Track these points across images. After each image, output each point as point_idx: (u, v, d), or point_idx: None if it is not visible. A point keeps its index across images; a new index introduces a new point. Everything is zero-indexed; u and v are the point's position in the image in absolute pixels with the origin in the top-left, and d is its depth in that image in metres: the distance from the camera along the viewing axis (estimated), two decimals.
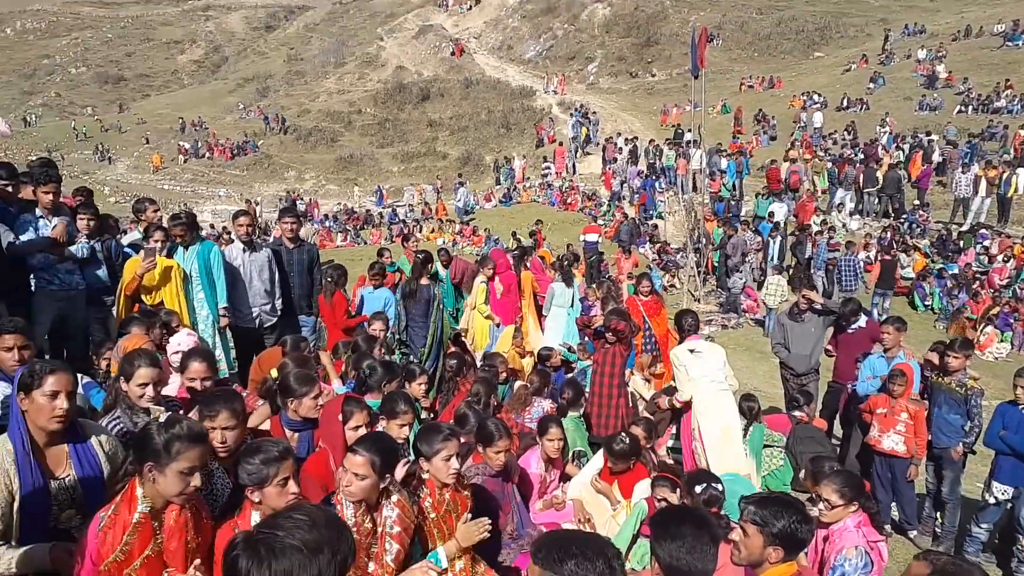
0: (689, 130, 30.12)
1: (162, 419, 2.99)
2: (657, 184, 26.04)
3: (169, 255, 6.53)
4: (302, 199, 36.71)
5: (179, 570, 2.71)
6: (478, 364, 7.16)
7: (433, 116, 49.69)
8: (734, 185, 24.90)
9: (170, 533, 2.71)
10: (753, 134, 32.34)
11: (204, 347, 5.15)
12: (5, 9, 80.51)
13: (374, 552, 3.20)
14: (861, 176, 22.53)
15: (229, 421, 3.39)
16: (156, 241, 6.38)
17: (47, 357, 5.47)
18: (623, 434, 5.19)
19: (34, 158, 7.02)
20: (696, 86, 18.01)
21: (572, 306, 9.74)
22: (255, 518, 2.89)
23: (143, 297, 6.32)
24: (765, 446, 6.82)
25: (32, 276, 5.94)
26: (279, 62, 65.00)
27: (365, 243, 27.56)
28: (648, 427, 5.75)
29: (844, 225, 21.49)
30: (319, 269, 8.02)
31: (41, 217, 5.78)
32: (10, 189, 5.75)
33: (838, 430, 8.32)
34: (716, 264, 19.21)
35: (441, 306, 8.08)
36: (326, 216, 33.22)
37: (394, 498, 3.32)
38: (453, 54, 56.78)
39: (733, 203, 23.31)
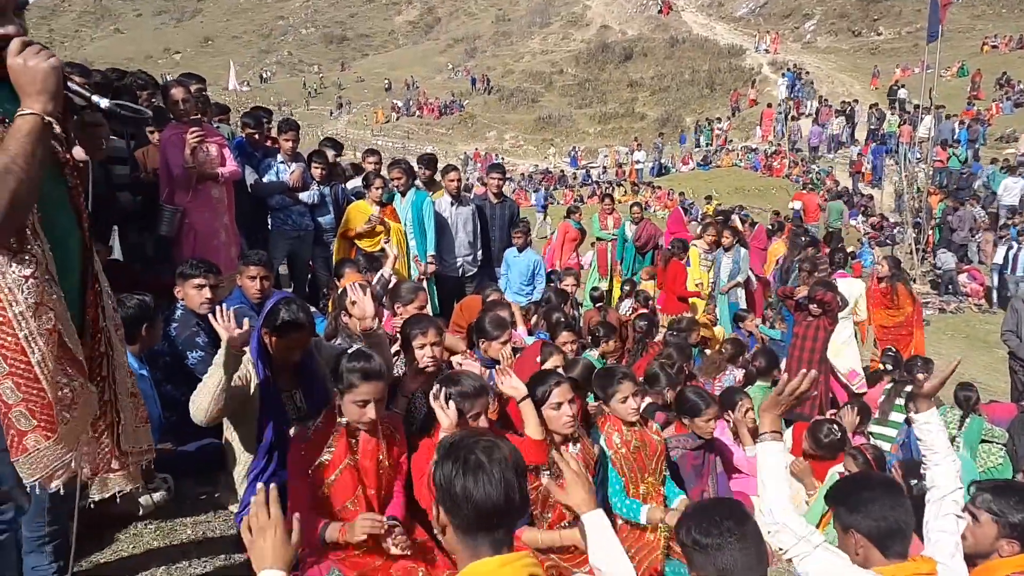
0: (902, 86, 27.37)
1: (353, 349, 3.22)
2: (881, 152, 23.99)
3: (388, 201, 7.03)
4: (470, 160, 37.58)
5: (370, 486, 3.00)
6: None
7: (634, 76, 48.84)
8: (966, 157, 22.39)
9: (363, 452, 3.00)
10: (993, 100, 28.73)
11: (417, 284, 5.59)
12: None
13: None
14: None
15: (436, 338, 3.67)
16: (377, 189, 6.89)
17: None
18: (834, 424, 4.84)
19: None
20: (931, 46, 16.31)
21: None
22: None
23: (359, 243, 6.87)
24: (982, 441, 6.23)
25: (269, 216, 6.68)
26: (487, 23, 66.59)
27: (557, 203, 27.91)
28: (863, 410, 5.40)
29: None
30: (517, 224, 8.32)
31: (282, 162, 6.48)
32: (256, 136, 6.47)
33: None
34: (936, 242, 17.51)
35: None
36: (522, 175, 33.94)
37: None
38: (660, 12, 55.24)
39: (963, 176, 21.01)
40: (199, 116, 5.36)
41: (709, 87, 44.38)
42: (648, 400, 4.77)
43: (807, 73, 36.31)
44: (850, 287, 7.74)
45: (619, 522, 3.57)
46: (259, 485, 1.95)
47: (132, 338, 3.72)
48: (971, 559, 2.58)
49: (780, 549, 2.32)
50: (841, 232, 17.17)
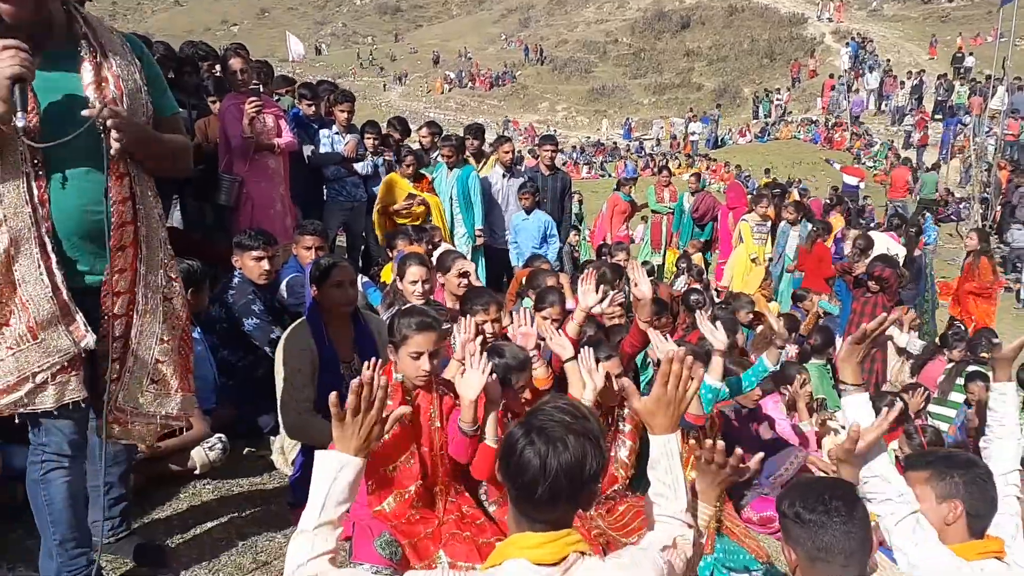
0: (970, 53, 26.21)
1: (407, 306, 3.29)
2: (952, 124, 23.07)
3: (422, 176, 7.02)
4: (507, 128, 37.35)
5: (425, 445, 3.03)
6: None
7: (691, 45, 47.76)
8: None
9: (417, 411, 3.03)
10: None
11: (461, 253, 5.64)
12: None
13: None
14: None
15: (496, 314, 3.72)
16: (408, 166, 6.84)
17: None
18: (895, 397, 4.77)
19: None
20: (1005, 12, 15.53)
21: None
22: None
23: (397, 219, 6.73)
24: None
25: (324, 187, 6.77)
26: None
27: (609, 175, 27.64)
28: (918, 393, 5.33)
29: None
30: (569, 197, 8.27)
31: (337, 133, 6.54)
32: (312, 109, 6.54)
33: None
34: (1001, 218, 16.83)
35: None
36: (573, 147, 33.66)
37: None
38: None
39: None
40: (258, 86, 5.44)
41: (769, 57, 43.14)
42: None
43: (871, 42, 35.01)
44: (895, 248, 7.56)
45: None
46: (366, 365, 1.92)
47: None
48: None
49: (870, 498, 2.23)
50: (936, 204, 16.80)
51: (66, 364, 2.23)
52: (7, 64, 1.97)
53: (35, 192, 2.14)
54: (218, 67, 6.05)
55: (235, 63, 5.25)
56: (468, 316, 3.74)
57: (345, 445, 1.80)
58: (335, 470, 1.77)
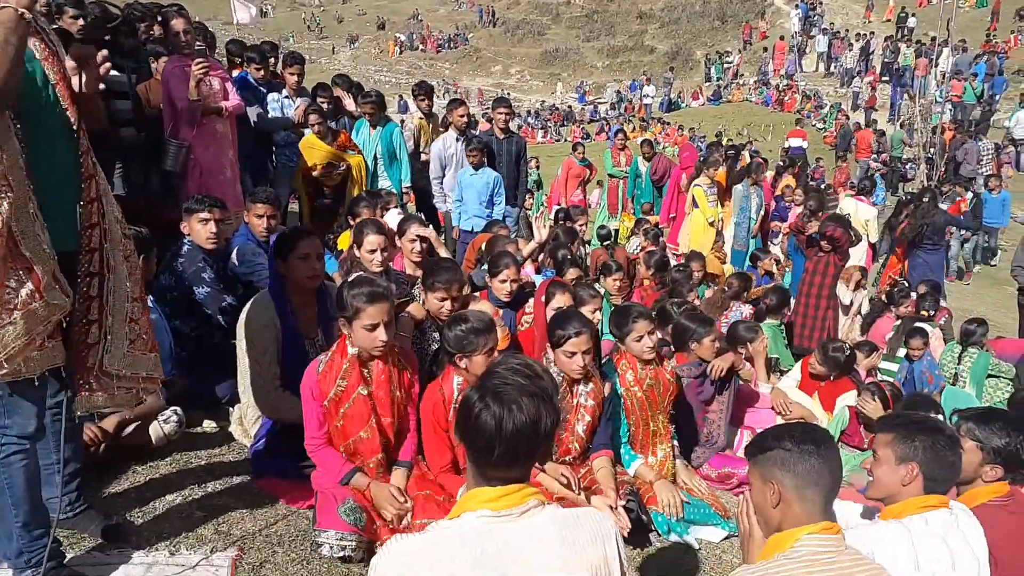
0: (912, 14, 26.76)
1: (352, 277, 3.20)
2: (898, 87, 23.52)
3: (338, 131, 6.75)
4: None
5: (384, 415, 3.04)
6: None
7: (643, 7, 47.55)
8: (983, 91, 21.88)
9: (377, 382, 3.02)
10: (1012, 32, 27.91)
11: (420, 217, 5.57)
12: None
13: (565, 421, 3.40)
14: None
15: (459, 292, 3.69)
16: (314, 124, 6.44)
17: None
18: (842, 343, 4.96)
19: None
20: None
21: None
22: (456, 381, 3.16)
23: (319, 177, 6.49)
24: (989, 375, 6.26)
25: (274, 153, 6.60)
26: None
27: (565, 140, 27.57)
28: (870, 350, 5.49)
29: None
30: (525, 161, 8.20)
31: (286, 97, 6.36)
32: (261, 72, 6.34)
33: None
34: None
35: None
36: (528, 112, 33.44)
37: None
38: None
39: (979, 110, 20.58)
40: (204, 48, 5.25)
41: (720, 19, 43.21)
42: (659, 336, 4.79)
43: (821, 4, 35.30)
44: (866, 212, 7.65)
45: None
46: None
47: None
48: (957, 486, 2.63)
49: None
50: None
51: (52, 329, 2.20)
52: None
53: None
54: (157, 28, 5.82)
55: (177, 24, 5.05)
56: (427, 292, 3.72)
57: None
58: None
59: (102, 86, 2.39)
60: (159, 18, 6.05)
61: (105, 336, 2.38)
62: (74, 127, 2.32)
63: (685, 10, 45.40)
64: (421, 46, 47.01)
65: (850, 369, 4.94)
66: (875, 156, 19.56)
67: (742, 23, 40.35)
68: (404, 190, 7.08)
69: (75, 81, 2.28)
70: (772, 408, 4.65)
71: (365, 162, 6.78)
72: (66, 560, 2.63)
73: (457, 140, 7.36)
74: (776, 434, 2.01)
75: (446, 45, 46.70)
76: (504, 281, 4.25)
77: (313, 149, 6.39)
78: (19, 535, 2.37)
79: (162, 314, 3.91)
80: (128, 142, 5.28)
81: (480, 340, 3.13)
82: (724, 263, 8.80)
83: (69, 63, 2.27)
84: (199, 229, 4.19)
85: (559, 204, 11.26)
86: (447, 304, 3.68)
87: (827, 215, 7.15)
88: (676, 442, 3.91)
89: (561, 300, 4.06)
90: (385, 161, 6.98)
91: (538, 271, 6.12)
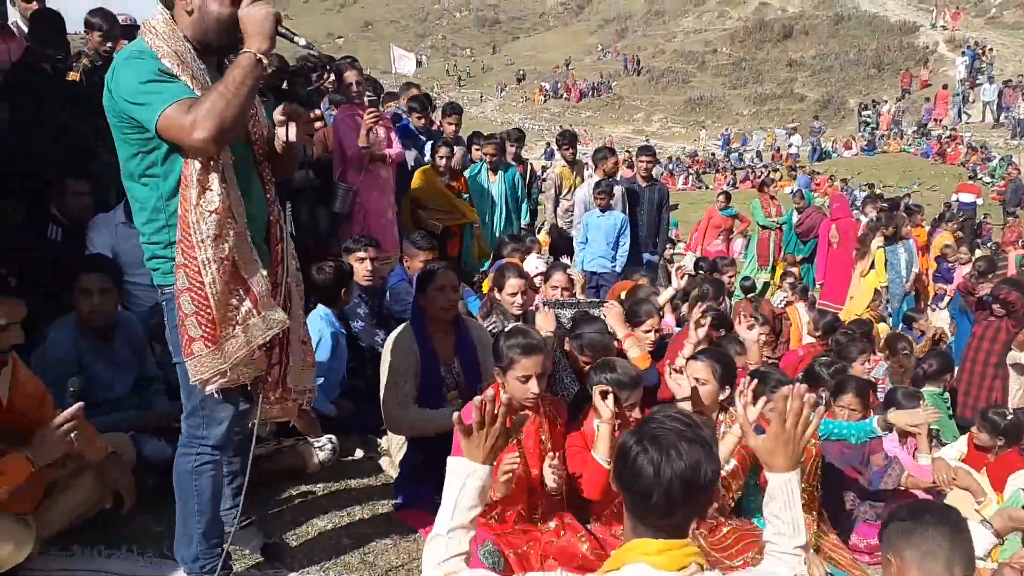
0: None
1: (510, 327, 3.30)
2: None
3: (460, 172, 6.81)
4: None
5: (533, 466, 3.05)
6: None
7: (794, 55, 46.44)
8: None
9: (527, 432, 3.05)
10: None
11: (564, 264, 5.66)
12: None
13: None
14: None
15: (592, 357, 3.74)
16: (442, 157, 6.35)
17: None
18: (1006, 408, 4.55)
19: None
20: None
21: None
22: (597, 425, 3.16)
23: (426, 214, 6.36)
24: None
25: None
26: (639, 2, 65.33)
27: (707, 187, 27.12)
28: None
29: None
30: (667, 209, 8.16)
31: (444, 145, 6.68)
32: (422, 121, 6.70)
33: None
34: None
35: None
36: (669, 159, 33.23)
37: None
38: None
39: None
40: (375, 99, 5.63)
41: (877, 67, 41.45)
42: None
43: (990, 51, 33.12)
44: None
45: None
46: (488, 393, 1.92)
47: (332, 300, 4.16)
48: None
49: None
50: None
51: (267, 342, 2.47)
52: (262, 5, 2.25)
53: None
54: (331, 78, 6.29)
55: (350, 76, 5.45)
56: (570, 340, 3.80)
57: (473, 455, 1.88)
58: (463, 477, 1.86)
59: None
60: (332, 68, 6.54)
61: (288, 356, 2.61)
62: (267, 173, 2.59)
63: (838, 58, 43.93)
64: (565, 95, 47.99)
65: (1018, 438, 4.50)
66: None
67: (900, 71, 38.50)
68: (524, 229, 7.16)
69: (281, 133, 2.52)
70: (933, 481, 4.31)
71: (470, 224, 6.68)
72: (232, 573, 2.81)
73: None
74: (903, 509, 1.96)
75: (590, 93, 47.41)
76: (648, 331, 4.24)
77: (431, 184, 6.31)
78: (198, 541, 2.57)
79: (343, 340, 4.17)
80: (300, 184, 5.71)
81: (624, 394, 3.14)
82: (880, 322, 8.32)
83: (278, 116, 2.52)
84: (357, 267, 4.48)
85: (695, 252, 11.06)
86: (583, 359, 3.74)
87: (1000, 277, 6.63)
88: (824, 511, 3.71)
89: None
90: (510, 205, 7.09)
91: (679, 323, 6.03)
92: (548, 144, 32.31)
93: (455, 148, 6.71)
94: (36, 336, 3.75)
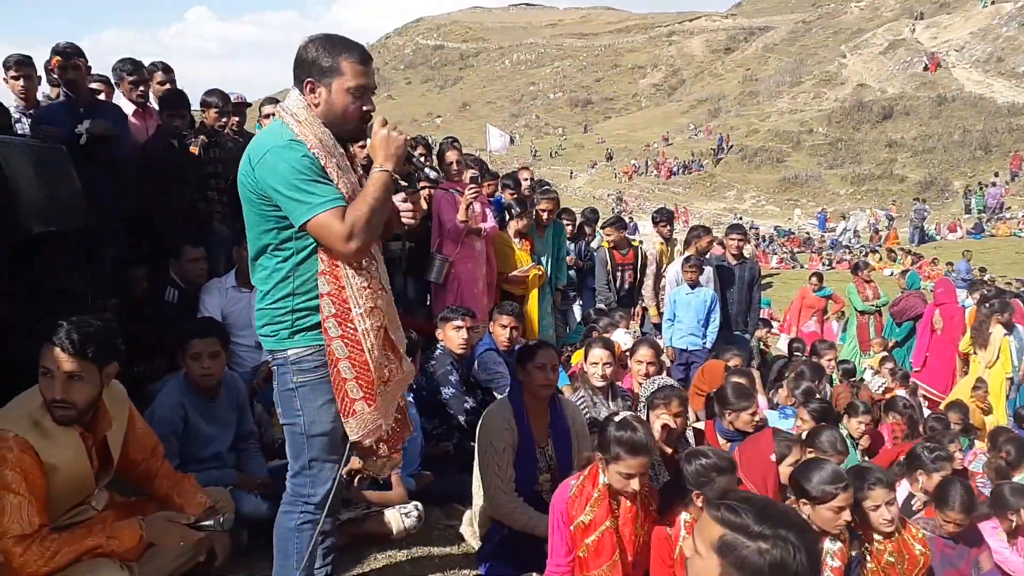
0: None
1: (620, 417, 3.12)
2: None
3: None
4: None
5: (628, 551, 2.98)
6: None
7: (894, 136, 45.46)
8: None
9: (624, 519, 3.00)
10: None
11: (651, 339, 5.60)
12: (507, 43, 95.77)
13: None
14: None
15: (679, 408, 3.67)
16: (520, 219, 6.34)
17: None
18: None
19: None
20: None
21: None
22: (684, 518, 3.04)
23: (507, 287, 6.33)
24: None
25: None
26: (733, 83, 65.83)
27: (802, 266, 26.45)
28: None
29: None
30: (759, 287, 8.04)
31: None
32: (515, 197, 6.86)
33: None
34: None
35: None
36: (762, 237, 32.71)
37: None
38: (926, 69, 51.15)
39: None
40: (477, 177, 5.88)
41: (983, 149, 40.07)
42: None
43: None
44: None
45: None
46: None
47: None
48: None
49: None
50: None
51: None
52: (398, 132, 2.51)
53: None
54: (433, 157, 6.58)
55: (451, 155, 5.74)
56: (649, 411, 3.73)
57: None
58: None
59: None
60: (430, 147, 6.86)
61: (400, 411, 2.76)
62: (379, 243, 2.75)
63: (941, 139, 42.74)
64: (655, 171, 48.30)
65: None
66: None
67: (1010, 152, 37.06)
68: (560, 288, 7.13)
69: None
70: None
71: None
72: None
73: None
74: None
75: (679, 171, 47.53)
76: (753, 414, 4.17)
77: (510, 250, 6.26)
78: None
79: (414, 410, 4.26)
80: (394, 254, 5.93)
81: (720, 479, 3.03)
82: (987, 415, 7.81)
83: (398, 198, 2.70)
84: (452, 336, 4.59)
85: (789, 333, 10.75)
86: (672, 421, 3.70)
87: None
88: None
89: (796, 455, 3.74)
90: (551, 260, 6.89)
91: (773, 406, 5.85)
92: (631, 219, 32.39)
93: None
94: (152, 388, 4.02)
